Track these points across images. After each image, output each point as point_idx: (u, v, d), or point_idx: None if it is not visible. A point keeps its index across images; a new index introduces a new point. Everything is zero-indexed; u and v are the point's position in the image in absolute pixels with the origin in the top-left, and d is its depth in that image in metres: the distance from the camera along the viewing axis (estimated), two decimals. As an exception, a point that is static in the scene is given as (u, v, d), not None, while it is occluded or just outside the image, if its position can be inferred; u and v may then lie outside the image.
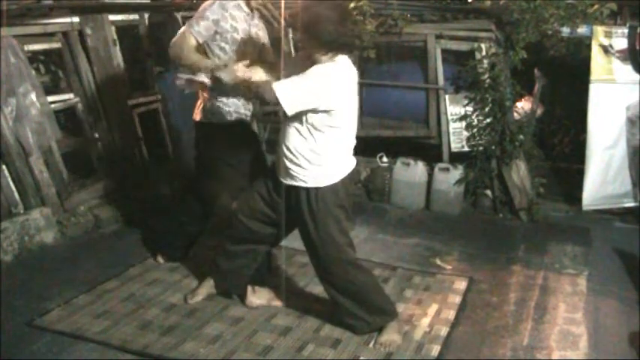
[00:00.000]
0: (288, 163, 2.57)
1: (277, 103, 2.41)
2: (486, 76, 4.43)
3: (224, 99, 2.99)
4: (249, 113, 3.13)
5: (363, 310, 2.71)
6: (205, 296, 3.09)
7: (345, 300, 2.71)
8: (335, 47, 2.45)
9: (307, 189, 2.57)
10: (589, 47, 4.40)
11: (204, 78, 2.91)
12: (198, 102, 3.07)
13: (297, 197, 2.61)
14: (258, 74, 2.71)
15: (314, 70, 2.44)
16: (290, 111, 2.42)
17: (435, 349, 2.68)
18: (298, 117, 2.48)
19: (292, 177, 2.59)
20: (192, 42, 2.85)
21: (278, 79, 2.59)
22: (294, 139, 2.53)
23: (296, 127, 2.52)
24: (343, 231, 2.65)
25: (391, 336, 2.72)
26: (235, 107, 3.03)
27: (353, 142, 2.65)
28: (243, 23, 2.96)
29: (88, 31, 4.11)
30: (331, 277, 2.70)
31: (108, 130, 4.31)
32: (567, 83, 5.06)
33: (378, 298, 2.75)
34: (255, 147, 3.25)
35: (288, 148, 2.56)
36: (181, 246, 3.50)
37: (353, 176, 2.73)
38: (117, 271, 3.40)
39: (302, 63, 2.53)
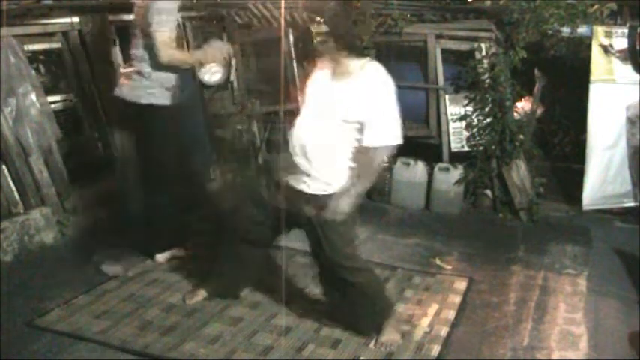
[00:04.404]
0: (314, 170, 2.54)
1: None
2: (486, 76, 4.43)
3: (144, 80, 3.14)
4: (173, 91, 3.22)
5: (364, 310, 2.70)
6: (204, 296, 3.08)
7: (349, 300, 2.69)
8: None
9: (317, 196, 2.54)
10: (589, 47, 4.40)
11: None
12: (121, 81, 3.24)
13: (305, 203, 2.57)
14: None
15: (384, 86, 2.62)
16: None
17: (435, 349, 2.68)
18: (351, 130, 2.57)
19: (311, 183, 2.55)
20: (172, 45, 3.06)
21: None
22: (332, 150, 2.55)
23: (340, 138, 2.57)
24: (351, 233, 2.65)
25: (392, 336, 2.71)
26: (158, 86, 3.16)
27: None
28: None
29: (88, 31, 4.11)
30: (336, 277, 2.66)
31: (108, 130, 4.30)
32: (567, 83, 5.06)
33: (380, 297, 2.75)
34: (186, 123, 3.43)
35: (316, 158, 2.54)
36: (168, 236, 3.53)
37: None
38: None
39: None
